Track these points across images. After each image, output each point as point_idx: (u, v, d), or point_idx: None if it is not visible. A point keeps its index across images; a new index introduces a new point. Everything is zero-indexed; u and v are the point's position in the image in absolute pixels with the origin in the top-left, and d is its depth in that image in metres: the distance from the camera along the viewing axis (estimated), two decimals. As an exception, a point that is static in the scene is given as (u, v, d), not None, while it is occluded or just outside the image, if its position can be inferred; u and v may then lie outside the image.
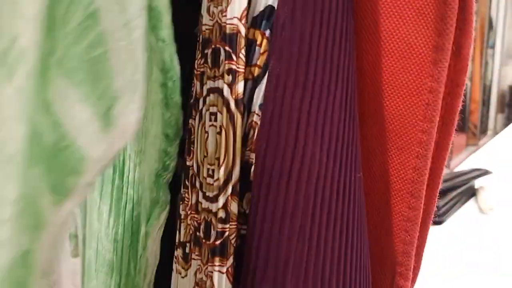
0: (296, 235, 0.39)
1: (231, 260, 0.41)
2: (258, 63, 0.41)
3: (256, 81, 0.42)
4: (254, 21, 0.42)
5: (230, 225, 0.41)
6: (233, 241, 0.41)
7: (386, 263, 0.43)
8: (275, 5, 0.41)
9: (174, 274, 0.47)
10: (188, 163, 0.46)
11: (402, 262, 0.42)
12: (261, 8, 0.42)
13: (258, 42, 0.41)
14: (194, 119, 0.45)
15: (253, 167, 0.42)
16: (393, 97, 0.42)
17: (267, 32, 0.41)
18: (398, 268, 0.42)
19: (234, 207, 0.41)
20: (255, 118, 0.42)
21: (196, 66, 0.45)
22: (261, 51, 0.41)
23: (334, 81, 0.39)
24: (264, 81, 0.41)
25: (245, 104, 0.42)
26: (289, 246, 0.39)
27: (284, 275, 0.39)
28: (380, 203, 0.43)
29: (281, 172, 0.39)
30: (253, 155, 0.42)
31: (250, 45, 0.42)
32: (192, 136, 0.45)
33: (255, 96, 0.42)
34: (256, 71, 0.41)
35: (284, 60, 0.39)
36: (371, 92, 0.44)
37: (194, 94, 0.45)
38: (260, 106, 0.41)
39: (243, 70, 0.41)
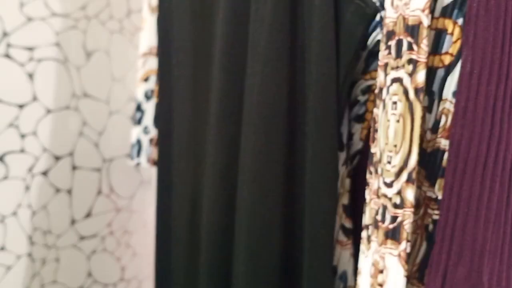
0: (492, 220, 0.38)
1: (403, 244, 0.42)
2: (450, 51, 0.41)
3: (449, 69, 0.41)
4: (444, 11, 0.41)
5: (404, 211, 0.42)
6: (406, 227, 0.42)
7: None
8: None
9: (360, 253, 0.49)
10: (372, 150, 0.47)
11: None
12: None
13: (449, 31, 0.41)
14: (378, 108, 0.46)
15: (446, 154, 0.41)
16: None
17: (460, 21, 0.41)
18: None
19: (409, 194, 0.41)
20: (448, 105, 0.42)
21: (380, 58, 0.46)
22: (453, 39, 0.41)
23: None
24: (457, 68, 0.41)
25: (435, 91, 0.41)
26: (486, 230, 0.38)
27: (481, 259, 0.38)
28: None
29: (477, 160, 0.38)
30: (445, 142, 0.42)
31: (439, 34, 0.42)
32: (376, 124, 0.46)
33: (447, 84, 0.42)
34: (448, 59, 0.41)
35: (479, 47, 0.39)
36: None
37: (378, 85, 0.46)
38: (454, 94, 0.41)
39: (424, 60, 0.41)
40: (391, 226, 0.42)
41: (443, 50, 0.42)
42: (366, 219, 0.47)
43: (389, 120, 0.44)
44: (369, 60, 0.52)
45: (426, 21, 0.41)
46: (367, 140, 0.53)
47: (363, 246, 0.48)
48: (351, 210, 0.54)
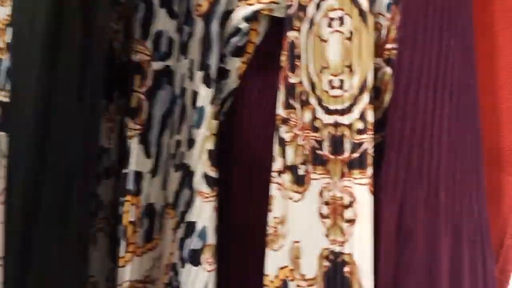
0: (445, 131, 0.37)
1: (370, 170, 0.37)
2: None
3: None
4: None
5: (368, 134, 0.37)
6: (370, 151, 0.37)
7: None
8: None
9: (277, 201, 0.42)
10: (292, 80, 0.40)
11: None
12: None
13: None
14: (299, 31, 0.39)
15: (384, 73, 0.38)
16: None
17: None
18: None
19: (371, 116, 0.37)
20: (380, 19, 0.38)
21: None
22: None
23: None
24: None
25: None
26: (441, 142, 0.36)
27: (438, 174, 0.36)
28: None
29: (428, 74, 0.36)
30: (378, 60, 0.38)
31: None
32: (297, 50, 0.39)
33: None
34: None
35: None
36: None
37: (296, 3, 0.39)
38: (388, 6, 0.38)
39: None
40: (355, 155, 0.38)
41: None
42: (290, 159, 0.41)
43: (326, 40, 0.38)
44: None
45: None
46: (246, 77, 0.45)
47: (287, 192, 0.41)
48: (217, 157, 0.46)
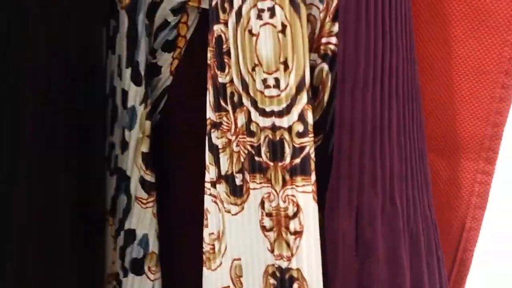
0: (395, 138, 0.33)
1: (313, 176, 0.33)
2: None
3: None
4: None
5: (309, 138, 0.33)
6: (312, 156, 0.33)
7: (470, 149, 0.39)
8: None
9: (213, 215, 0.38)
10: (221, 80, 0.35)
11: (490, 147, 0.39)
12: None
13: None
14: (225, 24, 0.35)
15: (321, 70, 0.34)
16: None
17: None
18: (484, 153, 0.39)
19: (310, 117, 0.33)
20: (314, 11, 0.34)
21: None
22: None
23: None
24: None
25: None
26: (392, 150, 0.33)
27: (391, 187, 0.33)
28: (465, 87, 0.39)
29: (374, 74, 0.32)
30: (313, 56, 0.35)
31: None
32: (225, 46, 0.35)
33: None
34: None
35: None
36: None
37: None
38: None
39: None
40: (297, 161, 0.34)
41: None
42: (225, 167, 0.37)
43: (257, 34, 0.34)
44: None
45: None
46: (179, 73, 0.40)
47: (225, 204, 0.37)
48: (152, 159, 0.41)
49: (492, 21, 0.36)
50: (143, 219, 0.43)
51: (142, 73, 0.40)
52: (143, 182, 0.42)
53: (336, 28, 0.34)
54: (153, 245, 0.43)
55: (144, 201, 0.42)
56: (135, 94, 0.41)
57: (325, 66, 0.35)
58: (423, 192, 0.35)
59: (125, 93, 0.40)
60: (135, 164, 0.42)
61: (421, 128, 0.36)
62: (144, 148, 0.42)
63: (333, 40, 0.35)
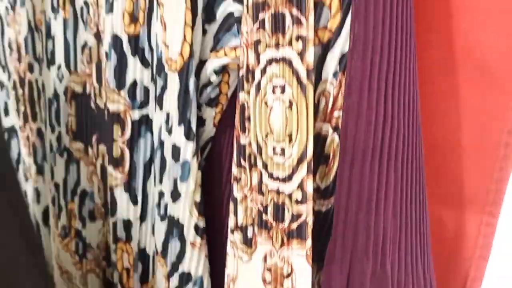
0: (390, 208, 0.34)
1: (309, 242, 0.35)
2: (328, 26, 0.35)
3: (327, 47, 0.35)
4: None
5: (307, 206, 0.35)
6: (310, 222, 0.35)
7: (476, 203, 0.39)
8: None
9: (231, 258, 0.42)
10: (242, 141, 0.39)
11: (494, 201, 0.38)
12: None
13: (326, 3, 0.35)
14: (248, 93, 0.38)
15: (328, 139, 0.36)
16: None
17: None
18: (488, 207, 0.38)
19: (310, 186, 0.35)
20: (328, 87, 0.36)
21: (245, 34, 0.38)
22: (332, 13, 0.34)
23: (412, 46, 0.34)
24: (337, 46, 0.35)
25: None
26: (386, 222, 0.34)
27: (383, 252, 0.34)
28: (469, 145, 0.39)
29: (373, 146, 0.33)
30: (326, 126, 0.36)
31: (315, 7, 0.35)
32: (247, 111, 0.38)
33: (326, 63, 0.35)
34: (327, 35, 0.35)
35: (363, 23, 0.33)
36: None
37: (245, 66, 0.38)
38: (335, 74, 0.35)
39: (312, 37, 0.34)
40: (294, 225, 0.36)
41: (320, 25, 0.36)
42: (241, 219, 0.40)
43: (271, 107, 0.36)
44: (219, 35, 0.42)
45: None
46: (220, 125, 0.44)
47: (238, 251, 0.40)
48: (203, 206, 0.45)
49: (496, 83, 0.36)
50: (197, 262, 0.47)
51: (194, 129, 0.44)
52: (196, 228, 0.46)
53: None
54: (207, 285, 0.47)
55: (198, 245, 0.46)
56: (187, 148, 0.45)
57: (336, 138, 0.37)
58: (417, 256, 0.36)
59: (176, 148, 0.45)
60: (188, 212, 0.46)
61: (421, 189, 0.36)
62: (197, 197, 0.46)
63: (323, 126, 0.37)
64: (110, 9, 0.49)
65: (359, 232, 0.35)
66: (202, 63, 0.45)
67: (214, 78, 0.44)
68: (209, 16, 0.43)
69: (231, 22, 0.43)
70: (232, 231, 0.41)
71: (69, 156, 0.59)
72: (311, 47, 0.35)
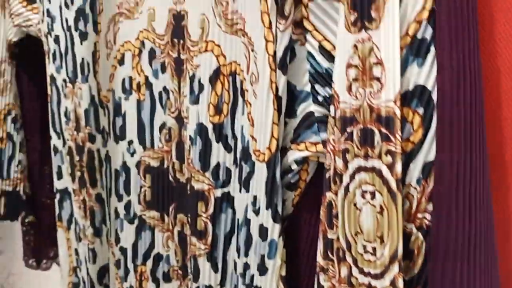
0: None
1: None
2: (411, 139, 0.40)
3: (410, 156, 0.40)
4: (403, 99, 0.40)
5: None
6: (401, 315, 0.40)
7: None
8: (427, 85, 0.39)
9: None
10: (330, 236, 0.43)
11: None
12: (410, 88, 0.39)
13: (409, 119, 0.39)
14: (336, 194, 0.42)
15: (413, 237, 0.40)
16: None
17: (420, 110, 0.39)
18: None
19: (401, 283, 0.40)
20: (412, 191, 0.40)
21: (331, 141, 0.42)
22: (414, 128, 0.39)
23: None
24: (419, 156, 0.40)
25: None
26: None
27: None
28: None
29: (462, 248, 0.38)
30: (410, 226, 0.41)
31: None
32: (334, 210, 0.43)
33: (409, 170, 0.40)
34: (409, 146, 0.40)
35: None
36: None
37: (332, 169, 0.42)
38: (418, 181, 0.40)
39: (400, 151, 0.39)
40: None
41: (404, 138, 0.41)
42: None
43: (361, 209, 0.41)
44: (299, 130, 0.50)
45: (399, 112, 0.39)
46: (297, 205, 0.52)
47: None
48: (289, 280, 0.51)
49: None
50: None
51: (280, 213, 0.49)
52: None
53: (430, 207, 0.41)
54: None
55: None
56: (274, 229, 0.50)
57: (420, 236, 0.42)
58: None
59: (263, 228, 0.50)
60: (275, 285, 0.51)
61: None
62: (283, 272, 0.51)
63: (428, 216, 0.41)
64: (195, 101, 0.54)
65: None
66: (282, 149, 0.49)
67: (295, 167, 0.49)
68: (289, 112, 0.49)
69: (312, 121, 0.48)
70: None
71: (141, 223, 0.63)
72: (399, 161, 0.40)
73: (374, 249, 0.41)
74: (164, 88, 0.59)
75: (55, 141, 0.71)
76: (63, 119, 0.69)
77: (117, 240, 0.66)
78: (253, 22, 0.49)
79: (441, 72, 0.39)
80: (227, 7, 0.52)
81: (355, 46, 0.41)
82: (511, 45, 0.42)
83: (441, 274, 0.39)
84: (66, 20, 0.65)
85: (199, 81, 0.55)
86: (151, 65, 0.60)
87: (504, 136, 0.43)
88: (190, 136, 0.56)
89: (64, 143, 0.70)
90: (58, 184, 0.72)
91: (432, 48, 0.40)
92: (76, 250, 0.71)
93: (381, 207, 0.40)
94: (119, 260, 0.65)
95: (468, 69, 0.38)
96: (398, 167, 0.40)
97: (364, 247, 0.42)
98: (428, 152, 0.40)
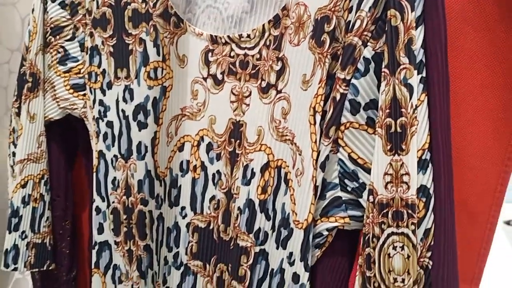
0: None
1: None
2: (418, 215, 0.71)
3: (418, 225, 0.71)
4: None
5: None
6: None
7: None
8: (427, 185, 0.72)
9: None
10: (368, 274, 0.72)
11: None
12: (418, 186, 0.71)
13: (418, 204, 0.71)
14: (374, 249, 0.71)
15: (422, 274, 0.72)
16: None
17: (423, 199, 0.71)
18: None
19: None
20: (418, 246, 0.72)
21: (370, 217, 0.71)
22: (420, 209, 0.71)
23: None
24: (422, 226, 0.72)
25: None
26: None
27: None
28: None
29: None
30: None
31: None
32: (372, 258, 0.72)
33: (417, 234, 0.72)
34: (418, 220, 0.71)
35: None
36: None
37: (371, 234, 0.71)
38: (421, 239, 0.72)
39: (417, 223, 0.70)
40: None
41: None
42: None
43: (393, 256, 0.71)
44: (328, 208, 0.74)
45: (417, 202, 0.71)
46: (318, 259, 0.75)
47: None
48: None
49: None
50: None
51: (310, 265, 0.74)
52: None
53: (428, 254, 0.72)
54: None
55: None
56: (305, 276, 0.73)
57: (422, 272, 0.71)
58: None
59: (296, 275, 0.73)
60: None
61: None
62: None
63: (427, 260, 0.72)
64: (247, 183, 0.74)
65: None
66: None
67: (325, 233, 0.75)
68: (320, 196, 0.73)
69: (340, 202, 0.74)
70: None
71: (186, 269, 0.80)
72: (419, 228, 0.70)
73: (403, 279, 0.70)
74: (217, 171, 0.77)
75: (98, 203, 0.81)
76: (110, 185, 0.79)
77: (165, 281, 0.80)
78: (302, 137, 0.73)
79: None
80: (279, 124, 0.74)
81: (390, 163, 0.70)
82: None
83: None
84: (123, 111, 0.76)
85: (252, 170, 0.75)
86: (207, 154, 0.77)
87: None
88: (239, 207, 0.76)
89: (109, 205, 0.80)
90: (98, 238, 0.81)
91: (430, 165, 0.70)
92: (115, 291, 0.82)
93: (408, 255, 0.70)
94: None
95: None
96: (416, 232, 0.70)
97: (395, 279, 0.70)
98: (427, 223, 0.71)
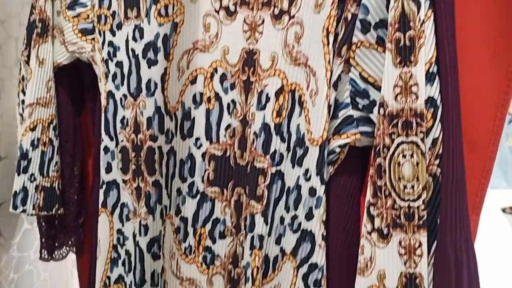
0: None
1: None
2: (427, 125, 0.74)
3: (426, 134, 0.74)
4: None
5: (427, 210, 0.73)
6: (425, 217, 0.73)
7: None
8: (434, 96, 0.75)
9: (367, 248, 0.73)
10: (379, 183, 0.74)
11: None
12: (426, 97, 0.74)
13: (426, 114, 0.74)
14: (384, 159, 0.74)
15: (430, 181, 0.74)
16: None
17: (431, 109, 0.74)
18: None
19: (426, 202, 0.73)
20: (427, 154, 0.75)
21: (381, 129, 0.74)
22: (428, 119, 0.74)
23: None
24: (430, 135, 0.74)
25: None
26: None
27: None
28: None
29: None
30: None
31: None
32: (382, 167, 0.74)
33: (425, 142, 0.74)
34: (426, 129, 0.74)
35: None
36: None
37: (381, 144, 0.74)
38: (430, 148, 0.75)
39: (425, 131, 0.73)
40: (421, 222, 0.74)
41: None
42: (377, 223, 0.75)
43: (402, 164, 0.74)
44: (341, 127, 0.77)
45: (425, 111, 0.74)
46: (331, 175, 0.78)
47: (376, 242, 0.75)
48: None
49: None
50: (321, 256, 0.75)
51: (326, 179, 0.76)
52: (322, 235, 0.76)
53: (437, 162, 0.74)
54: (325, 270, 0.77)
55: (323, 246, 0.76)
56: (321, 189, 0.75)
57: (430, 179, 0.74)
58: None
59: (313, 189, 0.76)
60: (319, 227, 0.78)
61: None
62: (324, 217, 0.77)
63: (435, 167, 0.74)
64: (262, 108, 0.77)
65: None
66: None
67: (338, 150, 0.77)
68: (333, 115, 0.76)
69: (352, 120, 0.77)
70: (370, 233, 0.75)
71: (203, 197, 0.81)
72: (427, 137, 0.73)
73: (412, 186, 0.72)
74: (232, 100, 0.80)
75: (106, 142, 0.82)
76: (118, 125, 0.81)
77: (178, 212, 0.81)
78: (316, 58, 0.76)
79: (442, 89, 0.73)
80: (293, 48, 0.77)
81: (400, 76, 0.73)
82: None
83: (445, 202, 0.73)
84: (133, 50, 0.79)
85: (267, 95, 0.78)
86: (221, 84, 0.80)
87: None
88: (254, 132, 0.78)
89: (117, 144, 0.81)
90: (106, 177, 0.82)
91: (437, 77, 0.74)
92: (119, 230, 0.82)
93: (417, 162, 0.72)
94: (179, 227, 0.80)
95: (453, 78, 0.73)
96: (428, 140, 0.72)
97: (405, 186, 0.73)
98: (435, 133, 0.74)
